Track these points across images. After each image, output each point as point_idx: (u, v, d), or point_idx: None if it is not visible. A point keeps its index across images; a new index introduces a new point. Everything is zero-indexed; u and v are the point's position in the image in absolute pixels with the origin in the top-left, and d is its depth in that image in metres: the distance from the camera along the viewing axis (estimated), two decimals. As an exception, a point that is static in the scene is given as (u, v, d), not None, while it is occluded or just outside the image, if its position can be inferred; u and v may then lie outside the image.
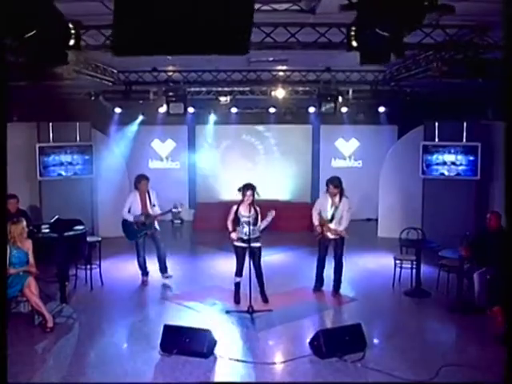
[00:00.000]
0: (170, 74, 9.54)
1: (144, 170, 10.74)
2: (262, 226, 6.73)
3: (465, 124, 9.51)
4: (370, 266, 8.72)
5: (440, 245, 7.41)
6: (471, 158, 9.37)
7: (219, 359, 5.20)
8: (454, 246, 6.93)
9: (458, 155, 9.53)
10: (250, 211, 6.62)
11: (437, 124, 9.76)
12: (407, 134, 10.82)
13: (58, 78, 5.87)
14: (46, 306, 5.97)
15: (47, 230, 6.92)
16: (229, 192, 12.07)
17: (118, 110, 11.24)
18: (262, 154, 12.97)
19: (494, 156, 9.10)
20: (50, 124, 9.96)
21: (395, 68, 8.42)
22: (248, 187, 6.68)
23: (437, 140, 9.75)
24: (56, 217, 7.15)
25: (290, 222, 11.07)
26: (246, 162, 12.77)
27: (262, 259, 6.78)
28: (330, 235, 7.10)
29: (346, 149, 12.92)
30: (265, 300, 6.81)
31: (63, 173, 10.04)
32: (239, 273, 6.80)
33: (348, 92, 10.62)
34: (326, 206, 7.10)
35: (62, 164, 9.97)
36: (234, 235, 6.70)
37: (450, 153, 9.61)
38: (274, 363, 5.18)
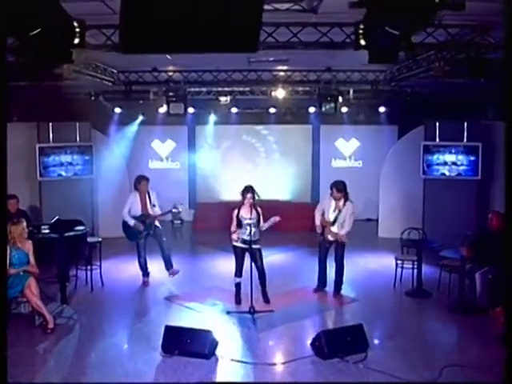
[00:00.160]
0: (171, 74, 9.53)
1: (144, 170, 10.74)
2: (264, 228, 6.72)
3: (465, 124, 9.50)
4: (370, 267, 8.71)
5: (441, 245, 7.40)
6: (472, 158, 9.36)
7: (221, 360, 5.19)
8: (454, 246, 6.91)
9: (458, 155, 9.52)
10: (251, 213, 6.61)
11: (437, 124, 9.74)
12: (408, 134, 10.81)
13: (59, 78, 5.84)
14: (46, 307, 5.95)
15: (47, 231, 6.90)
16: (229, 192, 12.09)
17: (117, 110, 11.23)
18: (262, 154, 12.96)
19: (495, 156, 9.09)
20: (50, 124, 9.94)
21: (396, 68, 8.41)
22: (248, 190, 6.67)
23: (437, 140, 9.74)
24: (56, 217, 7.13)
25: (290, 222, 10.98)
26: (246, 163, 12.77)
27: (263, 260, 6.77)
28: (330, 237, 7.08)
29: (347, 149, 12.91)
30: (266, 300, 6.80)
31: (63, 173, 10.02)
32: (239, 273, 6.78)
33: (349, 92, 10.61)
34: (329, 208, 7.08)
35: (62, 164, 9.96)
36: (234, 236, 6.69)
37: (450, 153, 9.60)
38: (276, 364, 5.16)
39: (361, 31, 3.94)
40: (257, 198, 6.69)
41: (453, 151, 9.59)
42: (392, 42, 3.41)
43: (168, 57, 7.57)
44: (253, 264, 6.62)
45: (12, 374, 4.35)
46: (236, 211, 6.70)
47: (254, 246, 6.58)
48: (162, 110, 11.03)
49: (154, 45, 2.45)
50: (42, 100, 9.35)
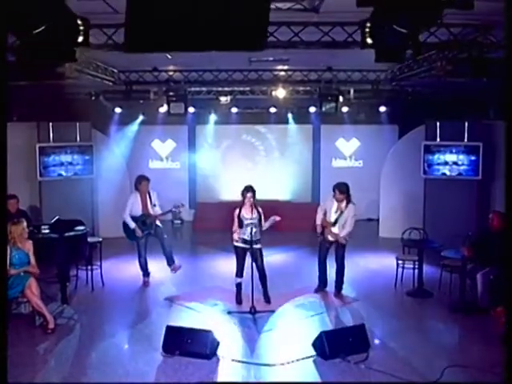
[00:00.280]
0: (171, 73, 9.51)
1: (144, 170, 10.73)
2: (265, 227, 6.71)
3: (466, 124, 9.48)
4: (371, 267, 8.70)
5: (442, 245, 7.38)
6: (473, 158, 9.35)
7: (222, 360, 5.17)
8: (455, 245, 6.90)
9: (459, 155, 9.51)
10: (252, 213, 6.60)
11: (438, 124, 9.73)
12: (408, 134, 10.80)
13: (60, 78, 5.82)
14: (47, 307, 5.94)
15: (48, 231, 6.88)
16: (229, 192, 12.07)
17: (118, 110, 11.22)
18: (263, 154, 12.94)
19: (496, 156, 9.08)
20: (50, 124, 9.92)
21: (397, 67, 8.40)
22: (248, 189, 6.66)
23: (438, 140, 9.73)
24: (56, 217, 7.12)
25: (290, 222, 10.98)
26: (247, 162, 12.76)
27: (264, 260, 6.76)
28: (330, 238, 7.07)
29: (347, 149, 12.90)
30: (267, 301, 6.79)
31: (63, 173, 10.01)
32: (240, 273, 6.77)
33: (349, 92, 10.60)
34: (331, 209, 7.07)
35: (62, 164, 9.94)
36: (235, 235, 6.68)
37: (451, 152, 9.59)
38: (277, 364, 5.13)
39: (367, 30, 3.89)
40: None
41: (453, 151, 9.57)
42: (399, 41, 3.38)
43: (168, 56, 7.55)
44: (253, 264, 6.61)
45: (12, 374, 4.34)
46: (237, 211, 6.69)
47: (254, 246, 6.57)
48: (163, 109, 11.03)
49: (161, 43, 2.44)
50: (42, 100, 9.33)
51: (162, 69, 9.23)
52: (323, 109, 10.35)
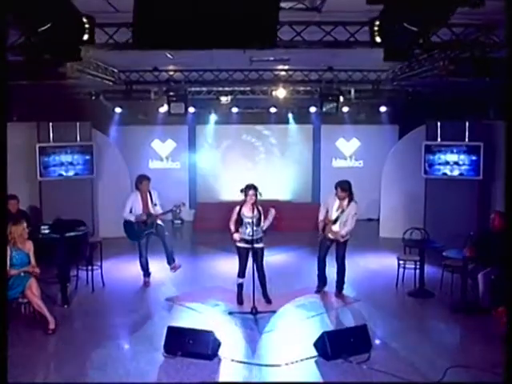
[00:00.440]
0: (171, 73, 9.50)
1: (144, 170, 10.71)
2: (265, 226, 6.70)
3: (467, 124, 9.47)
4: (372, 267, 8.69)
5: (443, 245, 7.37)
6: (474, 158, 9.34)
7: (223, 361, 5.16)
8: (456, 246, 6.90)
9: (460, 155, 9.50)
10: (253, 212, 6.58)
11: (439, 124, 9.72)
12: (409, 134, 10.79)
13: (62, 77, 5.80)
14: (47, 308, 5.91)
15: (48, 231, 6.86)
16: (229, 192, 12.06)
17: (118, 110, 11.21)
18: (263, 154, 12.93)
19: (497, 156, 9.06)
20: (50, 124, 9.90)
21: (398, 67, 8.39)
22: (250, 187, 6.64)
23: (439, 140, 9.72)
24: (57, 217, 7.10)
25: (290, 222, 11.03)
26: (247, 162, 12.74)
27: (264, 260, 6.74)
28: (330, 236, 7.07)
29: (347, 149, 12.89)
30: (268, 301, 6.78)
31: (63, 173, 9.99)
32: (242, 274, 6.75)
33: (350, 92, 10.59)
34: (332, 207, 7.06)
35: (62, 164, 9.93)
36: (236, 236, 6.66)
37: (452, 152, 9.57)
38: (279, 365, 5.12)
39: (376, 28, 3.84)
40: (259, 196, 6.66)
41: (454, 151, 9.56)
42: (409, 39, 3.35)
43: (169, 56, 7.54)
44: (253, 264, 6.59)
45: (13, 375, 4.32)
46: (238, 208, 6.67)
47: (256, 245, 6.55)
48: (163, 109, 11.02)
49: (170, 41, 2.42)
50: (42, 100, 9.31)
51: (163, 68, 9.22)
52: (324, 109, 10.36)
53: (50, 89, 8.29)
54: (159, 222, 7.76)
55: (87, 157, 10.12)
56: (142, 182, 7.70)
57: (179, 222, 12.28)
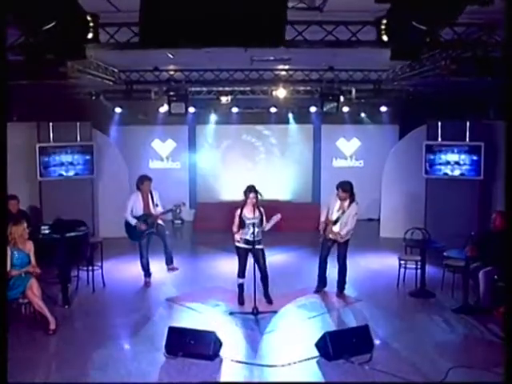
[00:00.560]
0: (172, 73, 9.48)
1: (144, 170, 10.71)
2: (267, 228, 6.68)
3: (468, 123, 9.46)
4: (373, 267, 8.67)
5: (445, 245, 7.36)
6: (474, 158, 9.32)
7: (225, 361, 5.14)
8: (457, 246, 6.89)
9: (461, 155, 9.49)
10: (254, 213, 6.57)
11: (439, 123, 9.71)
12: (409, 134, 10.77)
13: (62, 77, 5.78)
14: (48, 308, 5.90)
15: (48, 231, 6.84)
16: (229, 192, 12.05)
17: (118, 110, 11.19)
18: (263, 153, 12.91)
19: (497, 156, 9.05)
20: (50, 124, 9.88)
21: (399, 67, 8.37)
22: (250, 189, 6.63)
23: (440, 139, 9.71)
24: (57, 218, 7.09)
25: (290, 222, 10.97)
26: (247, 162, 12.73)
27: (266, 261, 6.73)
28: (331, 236, 7.06)
29: (347, 148, 12.88)
30: (269, 301, 6.76)
31: (64, 173, 9.97)
32: (242, 274, 6.74)
33: (351, 91, 10.57)
34: (333, 207, 7.05)
35: (62, 164, 9.91)
36: (237, 236, 6.64)
37: (453, 152, 9.56)
38: (281, 365, 5.10)
39: (383, 27, 3.80)
40: (260, 197, 6.66)
41: (455, 151, 9.55)
42: (418, 38, 3.32)
43: (169, 55, 7.52)
44: (255, 265, 6.58)
45: (13, 375, 4.30)
46: (239, 211, 6.65)
47: (256, 247, 6.55)
48: (163, 109, 11.01)
49: (173, 39, 2.40)
50: (42, 100, 9.30)
51: (163, 68, 9.19)
52: (324, 108, 10.34)
53: (50, 89, 8.28)
54: (160, 221, 7.76)
55: (87, 157, 10.10)
56: (143, 182, 7.70)
57: (179, 221, 12.27)
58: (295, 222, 11.01)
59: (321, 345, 5.17)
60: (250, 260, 6.67)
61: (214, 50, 5.64)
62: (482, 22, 5.08)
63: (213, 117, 12.39)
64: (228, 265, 8.16)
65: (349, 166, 12.67)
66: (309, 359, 5.15)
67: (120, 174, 10.60)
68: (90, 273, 7.52)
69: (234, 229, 6.65)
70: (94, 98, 10.49)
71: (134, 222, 7.50)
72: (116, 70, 9.08)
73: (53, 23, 2.81)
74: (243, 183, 6.91)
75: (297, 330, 6.07)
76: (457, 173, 9.57)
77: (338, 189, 6.99)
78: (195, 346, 5.10)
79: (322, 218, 7.16)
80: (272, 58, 7.93)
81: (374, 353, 5.20)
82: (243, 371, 5.01)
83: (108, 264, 8.02)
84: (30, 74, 5.32)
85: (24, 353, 5.25)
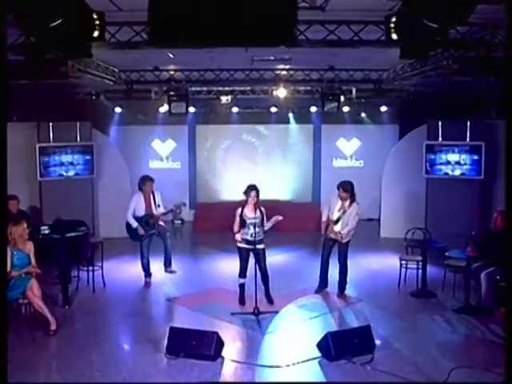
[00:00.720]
0: (172, 73, 9.46)
1: (144, 170, 10.69)
2: (266, 228, 6.67)
3: (468, 123, 9.46)
4: (373, 267, 8.66)
5: (446, 245, 7.35)
6: (475, 158, 9.32)
7: (226, 362, 5.12)
8: (457, 245, 6.88)
9: (461, 154, 9.48)
10: (255, 212, 6.55)
11: (440, 123, 9.70)
12: (410, 133, 10.76)
13: (63, 77, 5.75)
14: (48, 308, 5.88)
15: (48, 231, 6.83)
16: (229, 192, 12.04)
17: (118, 110, 11.17)
18: (263, 153, 12.90)
19: (498, 155, 9.05)
20: (50, 124, 9.86)
21: (400, 66, 8.36)
22: (252, 188, 6.61)
23: (440, 139, 9.70)
24: (57, 218, 7.07)
25: (290, 222, 10.96)
26: (247, 162, 12.72)
27: (267, 261, 6.72)
28: (332, 235, 7.06)
29: (348, 148, 12.87)
30: (270, 301, 6.75)
31: (64, 173, 9.95)
32: (243, 274, 6.72)
33: (351, 91, 10.56)
34: (334, 207, 7.05)
35: (62, 164, 9.89)
36: (238, 236, 6.62)
37: (453, 152, 9.56)
38: (283, 366, 5.09)
39: (393, 25, 3.75)
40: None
41: (456, 150, 9.54)
42: (428, 36, 3.29)
43: (170, 55, 7.51)
44: (256, 265, 6.56)
45: (13, 375, 4.29)
46: (240, 210, 6.63)
47: (258, 246, 6.53)
48: (163, 109, 10.99)
49: (183, 38, 2.38)
50: (42, 100, 9.28)
51: (163, 68, 9.18)
52: (325, 108, 10.33)
53: (50, 88, 8.26)
54: (161, 222, 7.74)
55: (87, 157, 10.08)
56: (145, 182, 7.68)
57: (179, 222, 12.26)
58: (295, 222, 11.00)
59: (322, 345, 5.16)
60: (252, 260, 6.65)
61: (215, 50, 5.62)
62: (485, 22, 5.07)
63: (213, 117, 12.37)
64: (228, 265, 8.15)
65: (349, 166, 12.67)
66: (310, 360, 5.14)
67: (120, 174, 10.59)
68: (91, 273, 7.50)
69: (235, 228, 6.62)
70: (94, 97, 10.47)
71: (135, 224, 7.49)
72: (116, 70, 9.06)
73: (59, 20, 2.78)
74: (243, 183, 6.90)
75: (298, 331, 6.06)
76: (457, 173, 9.56)
77: (338, 189, 6.98)
78: (197, 347, 5.09)
79: (324, 218, 7.15)
80: (272, 57, 7.92)
81: (376, 353, 5.19)
82: (245, 372, 4.99)
83: (108, 264, 8.01)
84: (30, 74, 5.30)
85: (24, 353, 5.23)
